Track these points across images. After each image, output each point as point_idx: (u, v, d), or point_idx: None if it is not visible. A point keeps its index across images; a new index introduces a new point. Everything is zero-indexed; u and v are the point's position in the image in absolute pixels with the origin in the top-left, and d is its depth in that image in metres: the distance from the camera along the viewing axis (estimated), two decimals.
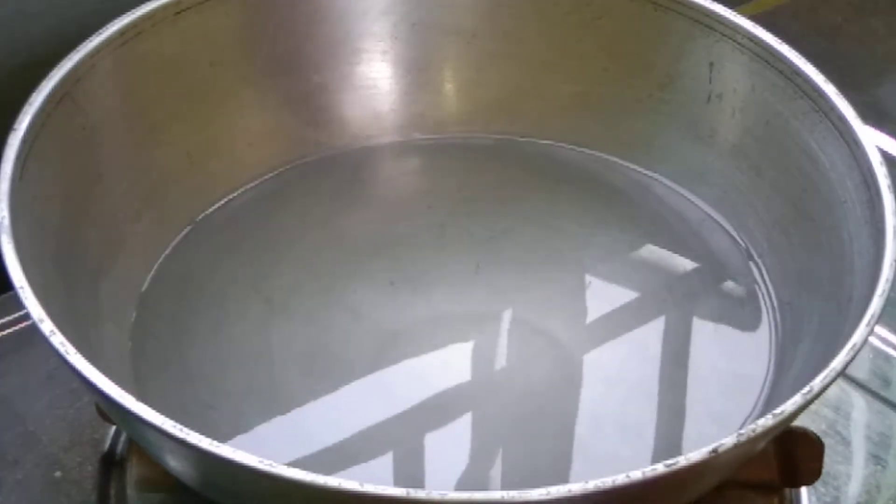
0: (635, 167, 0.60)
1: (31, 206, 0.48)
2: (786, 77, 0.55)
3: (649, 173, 0.60)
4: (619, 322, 0.54)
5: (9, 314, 0.57)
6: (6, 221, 0.45)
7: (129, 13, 0.54)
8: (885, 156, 0.51)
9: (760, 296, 0.55)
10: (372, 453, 0.49)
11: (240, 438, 0.49)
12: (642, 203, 0.59)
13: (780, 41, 0.55)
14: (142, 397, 0.41)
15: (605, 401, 0.51)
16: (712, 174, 0.59)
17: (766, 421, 0.41)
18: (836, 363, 0.43)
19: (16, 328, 0.57)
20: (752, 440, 0.41)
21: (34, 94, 0.50)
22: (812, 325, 0.52)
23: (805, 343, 0.52)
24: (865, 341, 0.44)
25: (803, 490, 0.53)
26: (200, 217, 0.57)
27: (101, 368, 0.42)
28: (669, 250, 0.57)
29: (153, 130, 0.56)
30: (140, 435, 0.45)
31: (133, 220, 0.55)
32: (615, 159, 0.61)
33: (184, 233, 0.57)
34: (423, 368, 0.52)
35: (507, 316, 0.54)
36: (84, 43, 0.52)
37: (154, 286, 0.54)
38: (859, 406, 0.57)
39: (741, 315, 0.55)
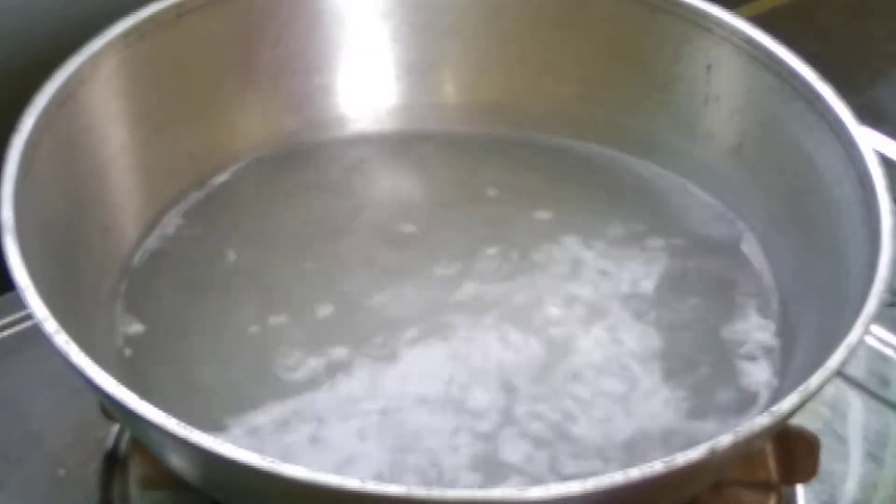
0: (635, 160, 0.61)
1: (35, 206, 0.48)
2: (782, 79, 0.55)
3: (649, 168, 0.60)
4: (619, 315, 0.54)
5: (12, 313, 0.57)
6: (10, 222, 0.46)
7: (131, 15, 0.54)
8: (882, 157, 0.51)
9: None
10: (373, 445, 0.49)
11: (242, 435, 0.49)
12: (644, 195, 0.59)
13: (776, 43, 0.55)
14: (145, 395, 0.41)
15: (602, 393, 0.51)
16: (709, 175, 0.59)
17: (763, 419, 0.41)
18: (833, 362, 0.43)
19: (19, 327, 0.57)
20: (749, 438, 0.41)
21: (37, 96, 0.50)
22: (809, 323, 0.52)
23: (802, 341, 0.52)
24: (861, 340, 0.44)
25: (800, 488, 0.53)
26: (201, 214, 0.58)
27: (104, 367, 0.42)
28: (673, 241, 0.57)
29: (155, 131, 0.56)
30: (143, 433, 0.45)
31: (135, 220, 0.56)
32: (615, 153, 0.61)
33: (185, 230, 0.57)
34: (422, 359, 0.52)
35: (507, 309, 0.54)
36: (87, 45, 0.53)
37: (156, 283, 0.54)
38: (856, 405, 0.58)
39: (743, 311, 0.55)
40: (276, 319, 0.53)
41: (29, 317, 0.44)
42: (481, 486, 0.47)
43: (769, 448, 0.50)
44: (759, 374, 0.52)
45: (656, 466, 0.39)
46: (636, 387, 0.51)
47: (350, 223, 0.58)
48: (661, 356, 0.53)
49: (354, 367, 0.52)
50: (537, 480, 0.47)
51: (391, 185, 0.61)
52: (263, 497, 0.43)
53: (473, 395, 0.51)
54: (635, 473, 0.39)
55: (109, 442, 0.54)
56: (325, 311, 0.54)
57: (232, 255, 0.56)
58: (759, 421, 0.41)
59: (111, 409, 0.47)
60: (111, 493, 0.52)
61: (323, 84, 0.61)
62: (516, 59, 0.61)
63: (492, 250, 0.57)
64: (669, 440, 0.49)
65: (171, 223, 0.57)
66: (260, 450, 0.40)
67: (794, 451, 0.50)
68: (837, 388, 0.57)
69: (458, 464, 0.48)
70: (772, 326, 0.54)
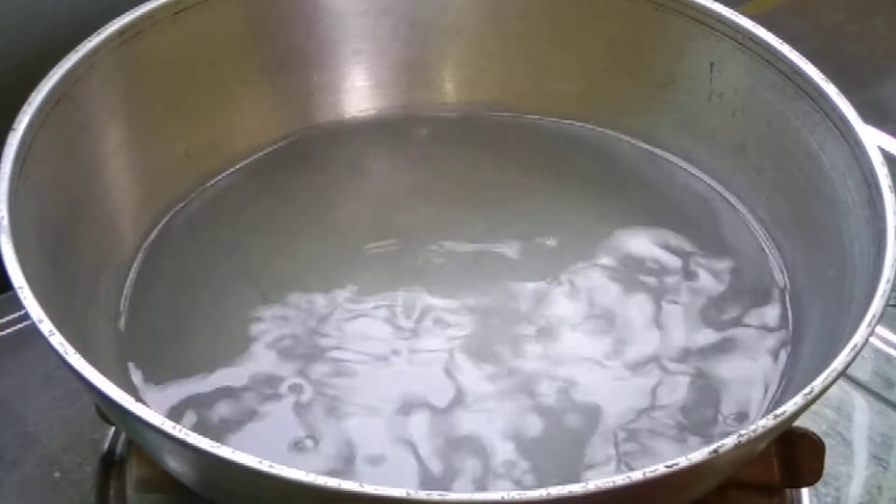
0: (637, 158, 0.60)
1: (31, 205, 0.48)
2: (786, 77, 0.55)
3: (651, 166, 0.60)
4: (621, 315, 0.54)
5: (8, 314, 0.57)
6: (5, 221, 0.45)
7: (128, 13, 0.54)
8: (886, 155, 0.51)
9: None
10: (373, 447, 0.49)
11: (241, 435, 0.49)
12: (646, 194, 0.59)
13: (780, 41, 0.55)
14: (140, 397, 0.41)
15: (605, 394, 0.51)
16: (712, 174, 0.59)
17: (767, 422, 0.41)
18: (837, 364, 0.43)
19: (15, 328, 0.57)
20: (753, 441, 0.41)
21: (33, 94, 0.50)
22: (813, 324, 0.52)
23: (807, 343, 0.52)
24: (867, 342, 0.44)
25: (804, 491, 0.53)
26: (199, 213, 0.57)
27: (100, 368, 0.42)
28: (676, 242, 0.57)
29: (152, 130, 0.56)
30: (139, 435, 0.45)
31: (132, 220, 0.55)
32: (617, 151, 0.61)
33: (182, 230, 0.57)
34: (422, 360, 0.52)
35: (506, 307, 0.54)
36: (83, 42, 0.52)
37: (153, 284, 0.54)
38: (861, 407, 0.57)
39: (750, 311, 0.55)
40: (276, 320, 0.53)
41: (25, 317, 0.44)
42: None
43: (773, 451, 0.50)
44: (763, 376, 0.52)
45: (659, 469, 0.39)
46: (638, 382, 0.51)
47: (350, 222, 0.58)
48: (664, 355, 0.52)
49: (355, 368, 0.51)
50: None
51: (391, 183, 0.61)
52: (260, 499, 0.43)
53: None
54: (637, 475, 0.39)
55: (105, 444, 0.54)
56: (325, 311, 0.54)
57: (229, 254, 0.56)
58: (763, 423, 0.41)
59: (107, 410, 0.47)
60: (107, 496, 0.52)
61: (321, 82, 0.61)
62: (517, 57, 0.61)
63: (496, 248, 0.56)
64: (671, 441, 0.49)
65: (168, 223, 0.57)
66: (259, 451, 0.40)
67: (798, 454, 0.50)
68: (842, 390, 0.57)
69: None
70: (776, 327, 0.53)
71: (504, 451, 0.48)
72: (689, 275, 0.56)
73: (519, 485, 0.47)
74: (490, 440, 0.49)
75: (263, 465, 0.39)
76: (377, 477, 0.47)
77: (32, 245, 0.47)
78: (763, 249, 0.57)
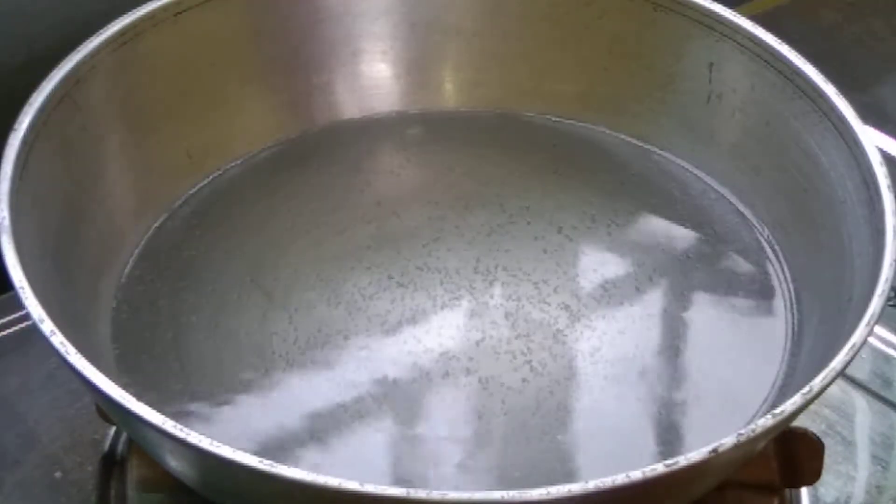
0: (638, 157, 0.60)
1: (32, 206, 0.48)
2: (785, 77, 0.55)
3: (651, 165, 0.60)
4: (623, 317, 0.54)
5: (9, 314, 0.57)
6: (6, 221, 0.46)
7: (129, 13, 0.54)
8: (885, 156, 0.51)
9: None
10: (372, 448, 0.49)
11: (240, 436, 0.49)
12: (646, 194, 0.59)
13: (779, 41, 0.55)
14: (141, 396, 0.41)
15: (605, 393, 0.51)
16: (711, 174, 0.59)
17: (766, 421, 0.41)
18: (836, 363, 0.43)
19: (16, 328, 0.57)
20: (752, 440, 0.41)
21: (34, 95, 0.50)
22: (812, 324, 0.52)
23: (806, 343, 0.52)
24: (865, 341, 0.44)
25: (804, 491, 0.53)
26: (200, 214, 0.57)
27: (101, 368, 0.42)
28: (676, 242, 0.57)
29: (153, 131, 0.56)
30: (140, 435, 0.45)
31: (133, 220, 0.56)
32: (617, 151, 0.61)
33: (183, 230, 0.57)
34: (423, 362, 0.52)
35: (507, 309, 0.54)
36: (84, 43, 0.53)
37: (154, 284, 0.54)
38: (860, 406, 0.57)
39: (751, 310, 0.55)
40: (276, 319, 0.53)
41: (26, 318, 0.44)
42: None
43: (772, 450, 0.50)
44: (763, 374, 0.52)
45: (658, 468, 0.39)
46: (639, 381, 0.51)
47: (350, 222, 0.58)
48: (667, 350, 0.52)
49: (354, 365, 0.51)
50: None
51: (391, 183, 0.61)
52: (261, 499, 0.43)
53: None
54: (637, 475, 0.39)
55: (106, 444, 0.54)
56: (325, 310, 0.54)
57: (230, 255, 0.56)
58: (762, 423, 0.41)
59: (108, 410, 0.47)
60: (108, 496, 0.52)
61: (322, 83, 0.61)
62: (517, 57, 0.61)
63: (497, 249, 0.56)
64: (671, 440, 0.49)
65: (168, 223, 0.57)
66: (260, 451, 0.40)
67: (797, 454, 0.50)
68: (841, 390, 0.57)
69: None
70: (777, 326, 0.53)
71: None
72: (688, 274, 0.56)
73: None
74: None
75: (263, 465, 0.39)
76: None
77: (33, 245, 0.47)
78: (762, 248, 0.57)
